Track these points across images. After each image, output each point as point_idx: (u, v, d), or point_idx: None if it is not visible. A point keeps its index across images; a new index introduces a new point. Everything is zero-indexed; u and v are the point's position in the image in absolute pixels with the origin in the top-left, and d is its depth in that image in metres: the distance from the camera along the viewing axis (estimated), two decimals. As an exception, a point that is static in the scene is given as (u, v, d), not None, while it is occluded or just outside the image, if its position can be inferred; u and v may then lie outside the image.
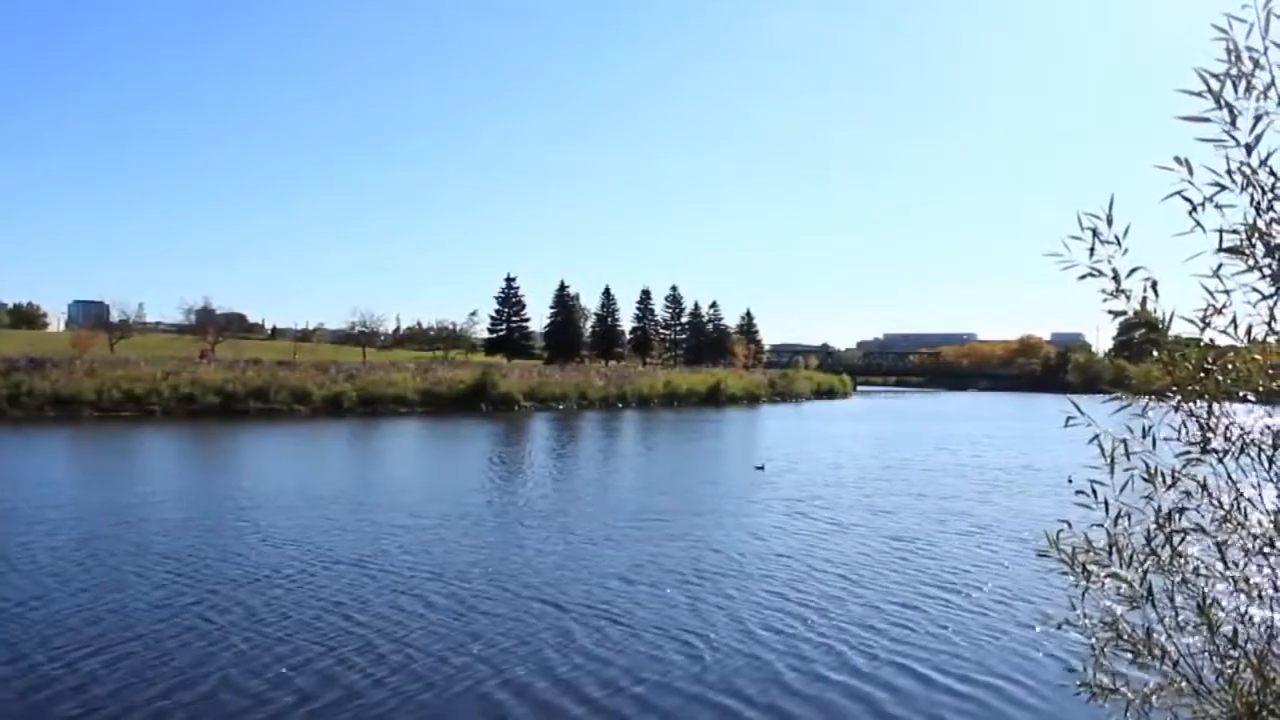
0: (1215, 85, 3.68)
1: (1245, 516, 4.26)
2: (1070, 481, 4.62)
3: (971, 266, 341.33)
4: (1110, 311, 4.29)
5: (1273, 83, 3.61)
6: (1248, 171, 3.73)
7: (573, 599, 17.34)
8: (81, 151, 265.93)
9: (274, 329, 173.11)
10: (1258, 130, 3.66)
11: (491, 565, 20.02)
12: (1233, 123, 3.70)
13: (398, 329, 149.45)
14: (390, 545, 21.80)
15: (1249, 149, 3.71)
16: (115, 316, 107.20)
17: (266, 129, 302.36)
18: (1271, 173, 3.71)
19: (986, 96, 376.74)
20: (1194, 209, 3.83)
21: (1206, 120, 3.74)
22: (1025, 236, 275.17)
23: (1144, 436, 4.32)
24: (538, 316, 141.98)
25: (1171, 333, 4.20)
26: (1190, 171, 3.83)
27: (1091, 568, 4.58)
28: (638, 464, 44.39)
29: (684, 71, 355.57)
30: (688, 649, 14.51)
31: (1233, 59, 3.64)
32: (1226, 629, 4.40)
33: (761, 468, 39.04)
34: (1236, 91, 3.66)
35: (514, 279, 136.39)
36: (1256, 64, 3.61)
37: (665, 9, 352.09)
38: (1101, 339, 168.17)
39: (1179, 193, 3.86)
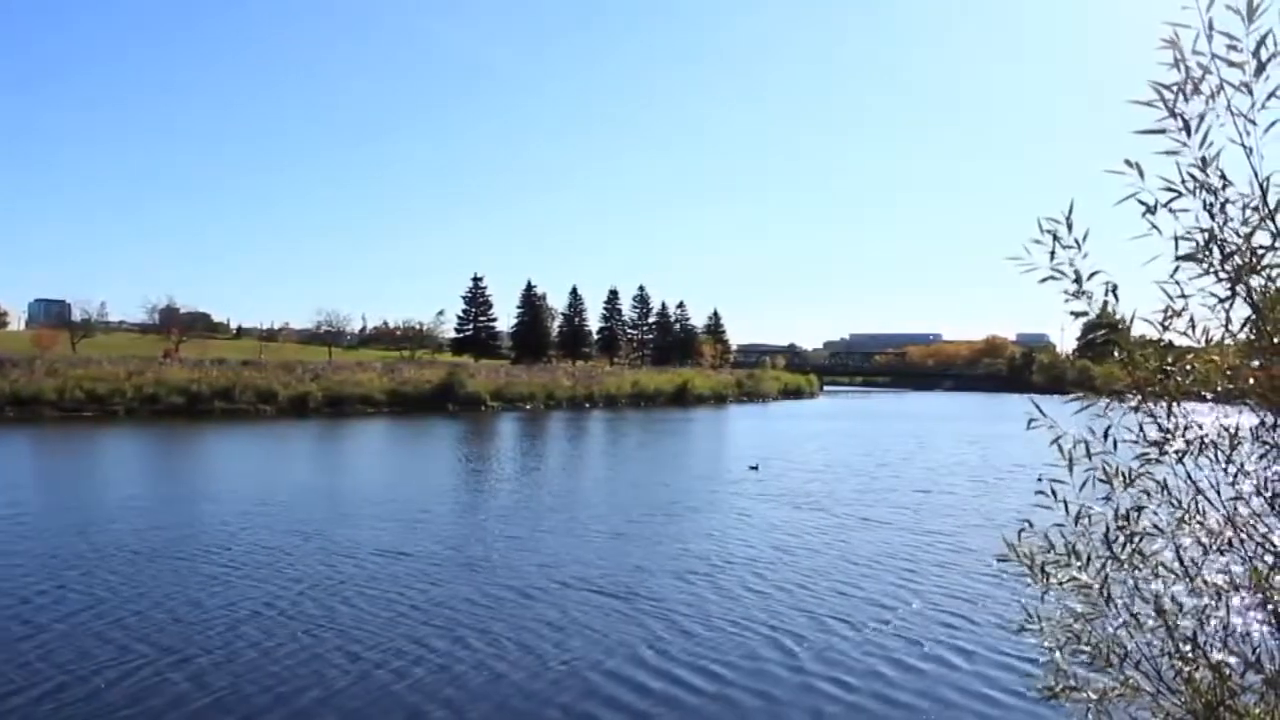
0: (1168, 96, 3.72)
1: (1204, 516, 4.29)
2: (1040, 480, 4.64)
3: (937, 268, 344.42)
4: (1072, 313, 4.31)
5: (1221, 87, 3.64)
6: (1199, 175, 3.77)
7: (613, 589, 17.84)
8: (42, 147, 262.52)
9: (239, 328, 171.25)
10: (1209, 136, 3.70)
11: (520, 560, 20.35)
12: (1186, 130, 3.74)
13: (364, 329, 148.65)
14: (410, 543, 21.96)
15: (1205, 161, 3.74)
16: (77, 315, 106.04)
17: (232, 127, 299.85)
18: (1222, 176, 3.75)
19: (952, 99, 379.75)
20: (1149, 210, 3.87)
21: (1162, 132, 3.78)
22: (990, 238, 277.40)
23: (1105, 437, 4.34)
24: (505, 316, 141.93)
25: (1133, 334, 4.22)
26: (1141, 175, 3.86)
27: (1050, 569, 4.60)
28: (626, 463, 44.36)
29: (652, 73, 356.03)
30: (708, 633, 14.77)
31: (1180, 68, 3.68)
32: (1185, 628, 4.44)
33: (755, 468, 38.81)
34: (1186, 97, 3.70)
35: (481, 279, 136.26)
36: (1205, 69, 3.64)
37: (633, 11, 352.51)
38: (1066, 339, 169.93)
39: (1133, 195, 3.89)
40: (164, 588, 17.32)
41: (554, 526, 24.55)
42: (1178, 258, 3.86)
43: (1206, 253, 3.80)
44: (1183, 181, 3.80)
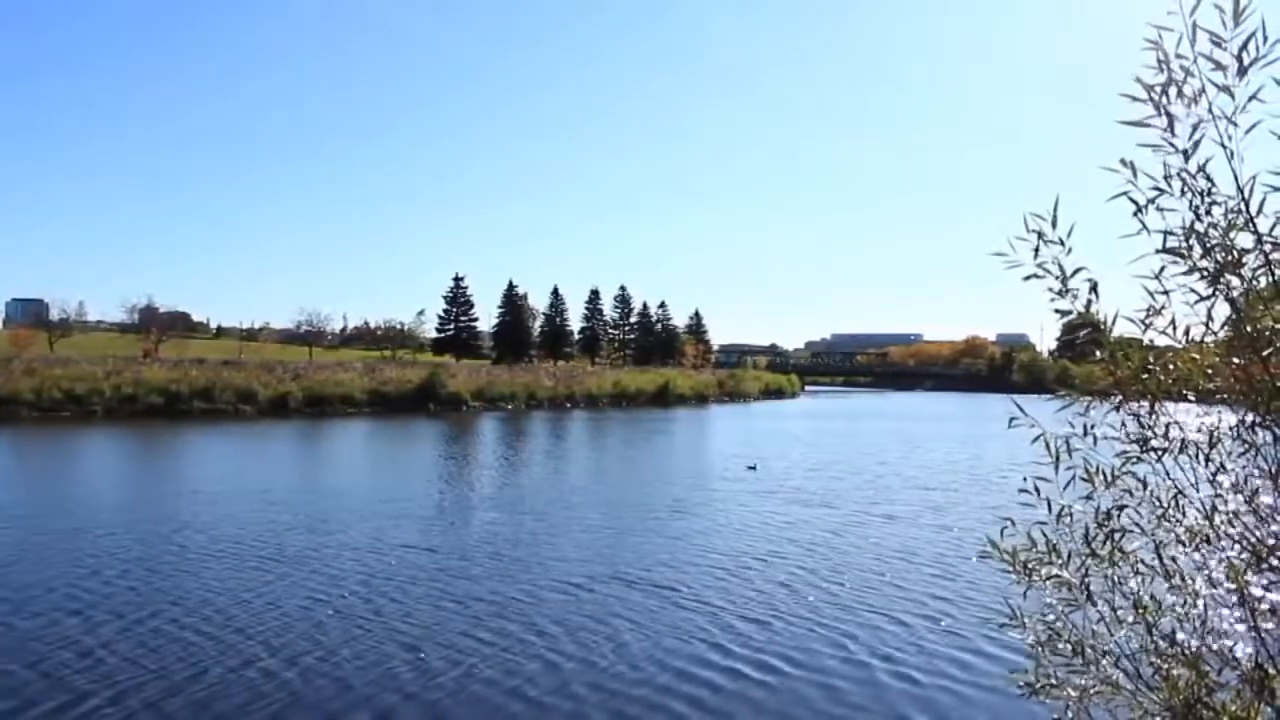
0: (1155, 94, 3.75)
1: (1183, 514, 4.33)
2: (1024, 480, 4.66)
3: (918, 268, 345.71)
4: (1057, 311, 4.33)
5: (1204, 90, 3.68)
6: (1186, 176, 3.80)
7: (650, 585, 17.91)
8: (20, 145, 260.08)
9: (219, 328, 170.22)
10: (1194, 137, 3.73)
11: (547, 555, 20.43)
12: (1171, 129, 3.77)
13: (345, 328, 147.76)
14: (431, 539, 22.00)
15: (1186, 155, 3.77)
16: (55, 315, 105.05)
17: (214, 126, 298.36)
18: (1208, 177, 3.78)
19: (933, 99, 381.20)
20: (1139, 210, 3.90)
21: (1147, 126, 3.81)
22: (971, 238, 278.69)
23: (1085, 434, 4.37)
24: (486, 316, 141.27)
25: (1114, 333, 4.25)
26: (1134, 174, 3.89)
27: (1033, 566, 4.63)
28: (620, 463, 44.11)
29: (634, 74, 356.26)
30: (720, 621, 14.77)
31: (1163, 68, 3.71)
32: (1164, 625, 4.48)
33: (753, 468, 38.58)
34: (1170, 99, 3.73)
35: (462, 278, 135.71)
36: (1188, 72, 3.67)
37: (615, 13, 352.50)
38: (1045, 339, 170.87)
39: (1124, 194, 3.92)
40: (205, 587, 17.07)
41: (567, 523, 24.47)
42: (1160, 250, 3.90)
43: (1188, 247, 3.83)
44: (1166, 178, 3.83)
